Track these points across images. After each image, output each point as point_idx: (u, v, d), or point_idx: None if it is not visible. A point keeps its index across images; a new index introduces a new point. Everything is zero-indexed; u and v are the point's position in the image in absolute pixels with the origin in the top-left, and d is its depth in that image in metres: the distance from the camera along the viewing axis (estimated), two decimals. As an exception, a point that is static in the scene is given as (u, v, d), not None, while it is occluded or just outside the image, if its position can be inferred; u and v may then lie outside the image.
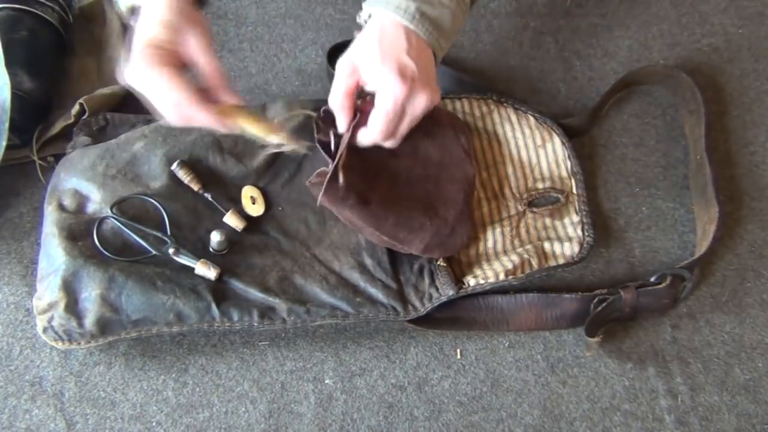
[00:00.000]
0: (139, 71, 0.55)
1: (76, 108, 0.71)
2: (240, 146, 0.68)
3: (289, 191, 0.68)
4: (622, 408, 0.63)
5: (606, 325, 0.64)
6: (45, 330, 0.62)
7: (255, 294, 0.63)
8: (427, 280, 0.65)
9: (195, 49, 0.57)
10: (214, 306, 0.62)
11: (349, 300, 0.63)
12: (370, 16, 0.59)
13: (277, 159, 0.68)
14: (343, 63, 0.58)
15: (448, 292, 0.64)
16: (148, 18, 0.57)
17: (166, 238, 0.63)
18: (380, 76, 0.56)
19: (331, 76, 0.77)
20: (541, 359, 0.65)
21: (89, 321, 0.61)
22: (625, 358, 0.65)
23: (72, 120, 0.71)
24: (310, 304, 0.63)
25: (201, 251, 0.64)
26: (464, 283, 0.65)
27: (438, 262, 0.65)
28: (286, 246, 0.66)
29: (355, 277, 0.64)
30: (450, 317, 0.66)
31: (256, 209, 0.67)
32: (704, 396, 0.63)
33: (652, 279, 0.65)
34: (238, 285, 0.63)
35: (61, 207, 0.65)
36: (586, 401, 0.63)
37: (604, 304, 0.63)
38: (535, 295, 0.65)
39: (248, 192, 0.67)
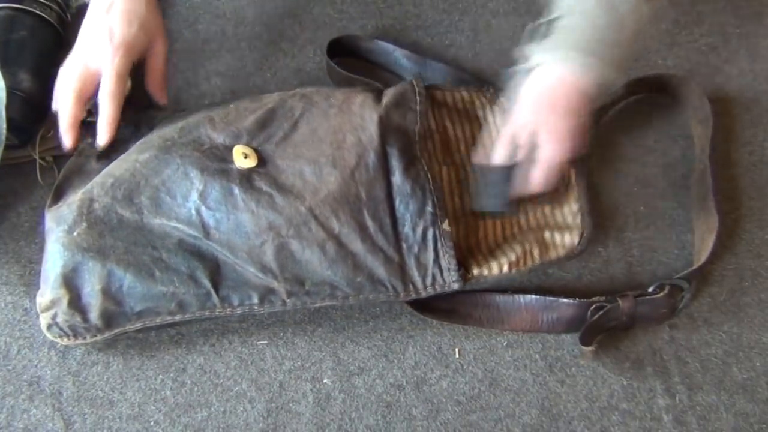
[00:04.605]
0: (110, 62, 0.64)
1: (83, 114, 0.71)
2: (231, 115, 0.67)
3: (284, 147, 0.65)
4: (620, 407, 0.63)
5: (602, 334, 0.64)
6: (49, 327, 0.62)
7: (252, 273, 0.61)
8: (431, 253, 0.62)
9: (157, 54, 0.68)
10: (213, 292, 0.61)
11: (348, 279, 0.61)
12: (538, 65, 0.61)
13: (272, 119, 0.66)
14: None
15: (452, 276, 0.62)
16: (126, 14, 0.65)
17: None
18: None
19: (331, 70, 0.77)
20: (540, 359, 0.65)
21: (94, 315, 0.61)
22: (623, 357, 0.65)
23: None
24: (309, 283, 0.62)
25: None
26: (468, 271, 0.64)
27: (443, 225, 0.63)
28: (280, 201, 0.62)
29: (356, 245, 0.61)
30: (447, 308, 0.66)
31: (248, 162, 0.63)
32: (702, 395, 0.63)
33: (650, 289, 0.64)
34: (233, 260, 0.61)
35: (61, 202, 0.65)
36: (584, 400, 0.64)
37: (600, 312, 0.62)
38: (533, 297, 0.65)
39: (240, 149, 0.64)
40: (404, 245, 0.63)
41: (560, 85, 0.60)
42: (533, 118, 0.62)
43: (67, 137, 0.66)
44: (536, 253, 0.65)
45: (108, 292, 0.61)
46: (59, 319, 0.61)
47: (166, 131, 0.66)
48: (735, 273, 0.68)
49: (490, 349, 0.66)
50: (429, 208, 0.63)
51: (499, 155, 0.64)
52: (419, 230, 0.63)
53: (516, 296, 0.65)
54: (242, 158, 0.63)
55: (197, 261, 0.62)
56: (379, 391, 0.64)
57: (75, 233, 0.62)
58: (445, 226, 0.63)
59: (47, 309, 0.62)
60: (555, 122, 0.61)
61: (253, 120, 0.66)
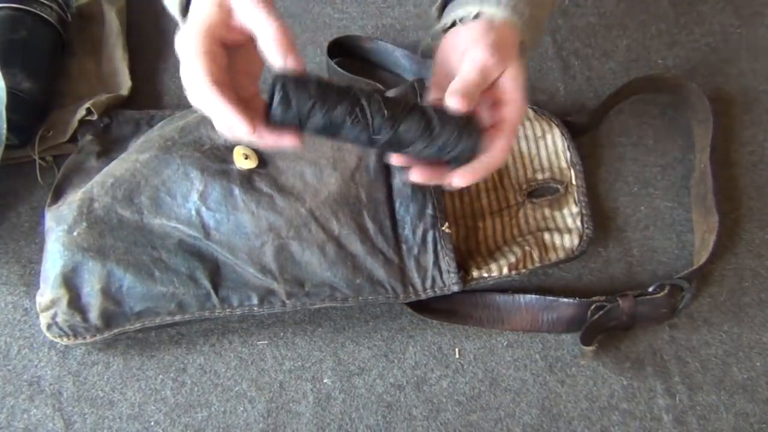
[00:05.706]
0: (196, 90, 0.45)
1: (82, 113, 0.71)
2: None
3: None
4: (620, 407, 0.63)
5: (602, 334, 0.64)
6: (49, 327, 0.62)
7: (252, 274, 0.62)
8: (430, 255, 0.63)
9: (249, 13, 0.45)
10: (213, 293, 0.61)
11: (348, 281, 0.62)
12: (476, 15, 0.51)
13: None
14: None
15: (451, 279, 0.63)
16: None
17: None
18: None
19: (331, 71, 0.77)
20: (540, 359, 0.65)
21: (93, 315, 0.61)
22: (623, 357, 0.65)
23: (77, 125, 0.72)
24: (309, 285, 0.62)
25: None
26: (468, 273, 0.64)
27: (443, 228, 0.63)
28: (280, 202, 0.62)
29: (356, 247, 0.62)
30: (447, 309, 0.66)
31: (249, 163, 0.64)
32: (702, 395, 0.64)
33: (651, 289, 0.64)
34: (233, 260, 0.62)
35: (61, 200, 0.65)
36: (585, 400, 0.64)
37: (600, 312, 0.62)
38: (533, 296, 0.65)
39: (241, 150, 0.64)
40: (404, 247, 0.63)
41: (511, 33, 0.51)
42: (498, 64, 0.49)
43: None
44: (536, 255, 0.65)
45: (108, 292, 0.61)
46: (59, 319, 0.61)
47: (167, 131, 0.66)
48: (735, 273, 0.68)
49: (490, 349, 0.66)
50: (429, 211, 0.63)
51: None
52: (419, 232, 0.63)
53: (516, 296, 0.65)
54: (243, 159, 0.64)
55: (197, 261, 0.62)
56: (379, 391, 0.64)
57: (75, 233, 0.62)
58: (445, 228, 0.63)
59: (47, 309, 0.62)
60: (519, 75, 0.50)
61: None
